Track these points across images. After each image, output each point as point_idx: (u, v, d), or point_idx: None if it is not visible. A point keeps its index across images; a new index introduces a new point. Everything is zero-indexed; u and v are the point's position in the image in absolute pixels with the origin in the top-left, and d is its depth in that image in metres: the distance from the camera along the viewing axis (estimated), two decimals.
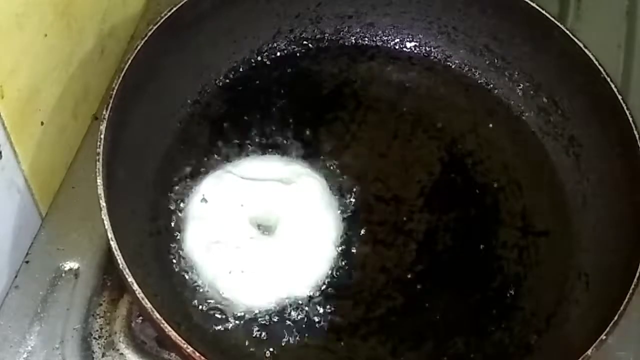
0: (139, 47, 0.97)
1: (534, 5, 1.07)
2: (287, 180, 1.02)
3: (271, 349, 0.93)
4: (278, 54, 1.16)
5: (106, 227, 0.85)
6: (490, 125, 1.12)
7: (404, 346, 0.96)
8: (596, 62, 1.02)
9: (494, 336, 0.96)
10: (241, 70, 1.14)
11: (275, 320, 0.94)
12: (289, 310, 0.95)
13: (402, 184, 1.06)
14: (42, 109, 0.99)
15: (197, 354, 0.80)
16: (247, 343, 0.93)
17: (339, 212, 1.02)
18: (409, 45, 1.18)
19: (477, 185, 1.07)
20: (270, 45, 1.16)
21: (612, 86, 1.01)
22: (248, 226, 0.99)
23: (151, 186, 1.01)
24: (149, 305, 0.82)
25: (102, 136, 0.90)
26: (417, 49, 1.18)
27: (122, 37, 1.17)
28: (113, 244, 0.84)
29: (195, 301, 0.95)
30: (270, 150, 1.06)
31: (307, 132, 1.09)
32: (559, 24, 1.06)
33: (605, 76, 1.02)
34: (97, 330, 0.97)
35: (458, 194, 1.07)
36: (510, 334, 0.96)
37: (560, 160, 1.08)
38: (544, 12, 1.07)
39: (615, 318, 0.85)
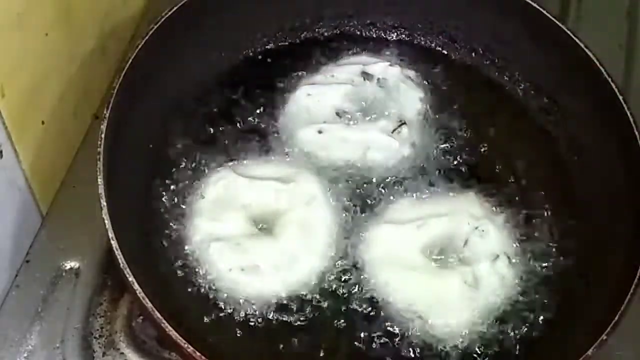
0: (139, 47, 0.97)
1: (535, 5, 1.07)
2: (286, 179, 1.02)
3: (271, 347, 0.93)
4: (279, 52, 1.16)
5: (107, 226, 0.85)
6: (491, 125, 1.12)
7: None
8: (597, 62, 1.03)
9: (494, 336, 0.97)
10: (242, 68, 1.14)
11: (275, 317, 0.94)
12: (288, 308, 0.95)
13: None
14: (43, 108, 0.99)
15: (198, 354, 0.81)
16: (247, 341, 0.93)
17: (338, 210, 1.02)
18: (410, 44, 1.18)
19: (477, 184, 1.07)
20: (271, 43, 1.16)
21: (613, 86, 1.01)
22: (248, 224, 0.99)
23: (151, 185, 1.01)
24: (149, 304, 0.82)
25: (103, 135, 0.90)
26: (418, 48, 1.18)
27: (122, 36, 1.17)
28: (114, 243, 0.84)
29: (196, 300, 0.95)
30: (270, 149, 1.06)
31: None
32: (560, 24, 1.06)
33: (606, 76, 1.02)
34: (98, 330, 0.97)
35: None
36: (510, 334, 0.96)
37: (561, 160, 1.09)
38: (545, 12, 1.07)
39: (616, 318, 0.85)
